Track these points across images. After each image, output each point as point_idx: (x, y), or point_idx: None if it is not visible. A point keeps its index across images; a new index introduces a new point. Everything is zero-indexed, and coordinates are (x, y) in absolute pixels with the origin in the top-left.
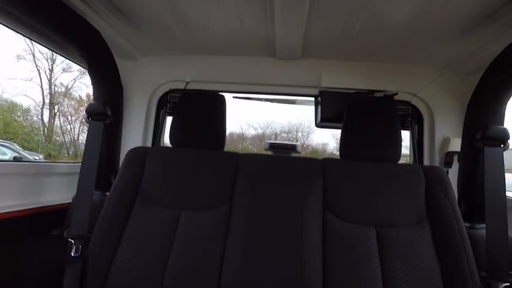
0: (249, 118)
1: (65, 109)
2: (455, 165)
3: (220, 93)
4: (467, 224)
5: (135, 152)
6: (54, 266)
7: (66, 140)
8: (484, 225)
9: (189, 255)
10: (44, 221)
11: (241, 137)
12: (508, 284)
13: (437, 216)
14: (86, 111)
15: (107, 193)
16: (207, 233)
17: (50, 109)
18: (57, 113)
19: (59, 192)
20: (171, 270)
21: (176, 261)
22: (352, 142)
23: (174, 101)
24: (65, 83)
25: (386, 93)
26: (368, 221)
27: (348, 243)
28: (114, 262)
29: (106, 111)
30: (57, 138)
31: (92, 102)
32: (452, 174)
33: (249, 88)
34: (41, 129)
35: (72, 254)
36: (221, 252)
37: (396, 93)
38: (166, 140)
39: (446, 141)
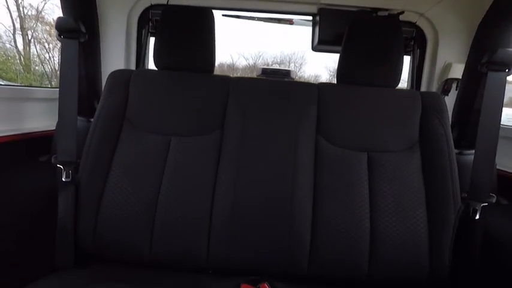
0: (239, 48)
1: (40, 35)
2: (452, 94)
3: None
4: (456, 151)
5: (117, 75)
6: (46, 191)
7: (47, 70)
8: (473, 151)
9: (181, 180)
10: (30, 148)
11: (231, 67)
12: (486, 204)
13: (430, 142)
14: (55, 27)
15: (92, 119)
16: (199, 158)
17: (22, 35)
18: (32, 40)
19: (41, 119)
20: (164, 194)
21: (168, 186)
22: (351, 65)
23: (157, 19)
24: (35, 5)
25: (391, 12)
26: (360, 147)
27: (339, 168)
28: (106, 187)
29: (79, 27)
30: (37, 68)
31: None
32: (448, 102)
33: (240, 4)
34: (17, 57)
35: (63, 179)
36: (213, 177)
37: (402, 12)
38: (151, 63)
39: (447, 67)
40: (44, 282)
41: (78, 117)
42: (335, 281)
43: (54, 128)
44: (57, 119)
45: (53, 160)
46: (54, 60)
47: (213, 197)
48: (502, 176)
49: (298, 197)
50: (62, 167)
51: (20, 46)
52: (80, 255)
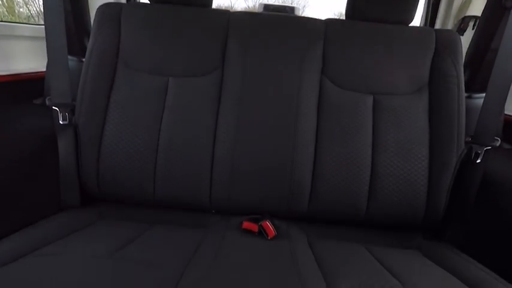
0: None
1: None
2: (468, 34)
3: None
4: (466, 94)
5: (107, 9)
6: (45, 133)
7: (32, 11)
8: (482, 95)
9: (181, 122)
10: (23, 90)
11: (229, 9)
12: (490, 147)
13: (440, 84)
14: None
15: (84, 59)
16: (199, 100)
17: None
18: None
19: (31, 59)
20: (164, 136)
21: (168, 128)
22: None
23: None
24: None
25: None
26: (366, 89)
27: (343, 110)
28: (105, 129)
29: None
30: (21, 10)
31: None
32: (463, 42)
33: None
34: None
35: (60, 122)
36: (214, 119)
37: None
38: None
39: (466, 3)
40: (52, 221)
41: (69, 57)
42: (334, 219)
43: (45, 69)
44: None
45: (47, 102)
46: (39, 1)
47: (214, 140)
48: (509, 121)
49: (301, 139)
50: (57, 109)
51: None
52: (86, 196)
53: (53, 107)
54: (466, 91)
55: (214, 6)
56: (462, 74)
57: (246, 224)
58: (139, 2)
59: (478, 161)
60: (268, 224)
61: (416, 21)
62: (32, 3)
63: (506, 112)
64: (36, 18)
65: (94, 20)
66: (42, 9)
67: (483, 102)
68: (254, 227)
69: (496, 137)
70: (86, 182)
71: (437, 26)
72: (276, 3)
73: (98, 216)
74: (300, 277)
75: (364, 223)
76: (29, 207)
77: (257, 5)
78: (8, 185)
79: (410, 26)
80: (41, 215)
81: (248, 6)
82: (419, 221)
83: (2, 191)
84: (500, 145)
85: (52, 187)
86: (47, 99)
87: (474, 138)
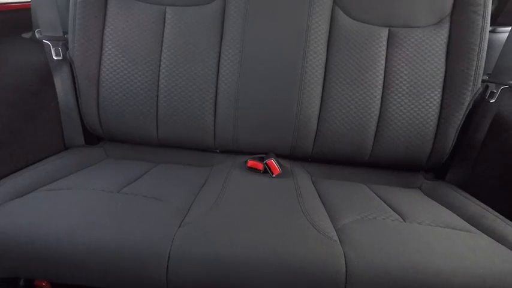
0: None
1: None
2: None
3: None
4: (490, 27)
5: None
6: (40, 68)
7: None
8: (508, 29)
9: (182, 56)
10: (8, 23)
11: None
12: (507, 86)
13: (463, 14)
14: None
15: None
16: (199, 32)
17: None
18: None
19: None
20: (165, 72)
21: (168, 64)
22: None
23: None
24: None
25: None
26: (381, 21)
27: (355, 44)
28: (101, 65)
29: None
30: None
31: None
32: None
33: None
34: None
35: (54, 58)
36: (217, 53)
37: None
38: None
39: None
40: (58, 159)
41: None
42: (338, 160)
43: None
44: None
45: (37, 35)
46: None
47: (218, 76)
48: None
49: (308, 77)
50: (49, 43)
51: None
52: (91, 136)
53: (45, 41)
54: (490, 24)
55: None
56: (490, 4)
57: (251, 163)
58: None
59: (492, 100)
60: (273, 162)
61: None
62: None
63: None
64: None
65: None
66: None
67: (507, 38)
68: (259, 165)
69: None
70: (88, 121)
71: None
72: None
73: (104, 155)
74: (304, 211)
75: (368, 164)
76: (32, 147)
77: None
78: (7, 122)
79: None
80: (46, 154)
81: None
82: (423, 162)
83: (2, 129)
84: None
85: (55, 126)
86: (36, 32)
87: (492, 77)
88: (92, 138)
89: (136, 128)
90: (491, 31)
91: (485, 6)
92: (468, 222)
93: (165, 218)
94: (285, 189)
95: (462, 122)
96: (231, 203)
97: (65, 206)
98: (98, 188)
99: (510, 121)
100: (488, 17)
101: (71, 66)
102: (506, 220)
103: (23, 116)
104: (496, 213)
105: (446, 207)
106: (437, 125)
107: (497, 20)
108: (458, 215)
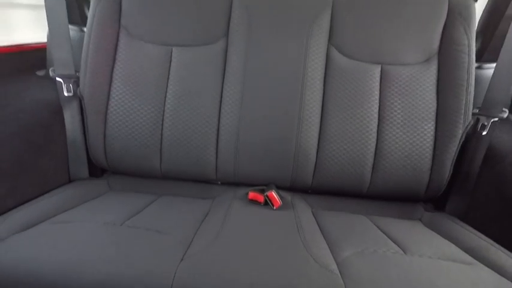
0: None
1: None
2: (481, 1)
3: None
4: (476, 64)
5: None
6: (51, 104)
7: None
8: (492, 65)
9: (186, 93)
10: (26, 62)
11: None
12: (497, 119)
13: (449, 53)
14: None
15: (85, 28)
16: (204, 70)
17: None
18: None
19: (30, 29)
20: (170, 107)
21: (173, 99)
22: None
23: None
24: None
25: None
26: (374, 59)
27: (350, 81)
28: (110, 101)
29: None
30: None
31: None
32: (476, 9)
33: None
34: None
35: (65, 94)
36: (219, 89)
37: None
38: None
39: None
40: (63, 191)
41: (70, 26)
42: (338, 191)
43: (46, 40)
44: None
45: (51, 73)
46: None
47: (220, 111)
48: None
49: (306, 112)
50: (61, 80)
51: None
52: (95, 168)
53: (57, 79)
54: (476, 61)
55: None
56: (474, 43)
57: (252, 195)
58: None
59: (484, 133)
60: (273, 194)
61: None
62: None
63: None
64: None
65: None
66: None
67: (493, 73)
68: (260, 198)
69: (503, 109)
70: (94, 154)
71: None
72: None
73: (107, 187)
74: (305, 244)
75: (368, 195)
76: (38, 179)
77: None
78: (18, 155)
79: None
80: (51, 187)
81: None
82: (421, 193)
83: (12, 162)
84: (507, 117)
85: (61, 159)
86: (50, 70)
87: (482, 110)
88: (95, 170)
89: (140, 160)
90: (478, 67)
91: (469, 46)
92: (469, 255)
93: (168, 251)
94: (285, 222)
95: (457, 153)
96: (232, 236)
97: (69, 240)
98: (101, 221)
99: (503, 152)
100: (473, 55)
101: (80, 102)
102: (508, 252)
103: (33, 150)
104: (497, 245)
105: (447, 239)
106: (433, 157)
107: (482, 57)
108: (459, 247)
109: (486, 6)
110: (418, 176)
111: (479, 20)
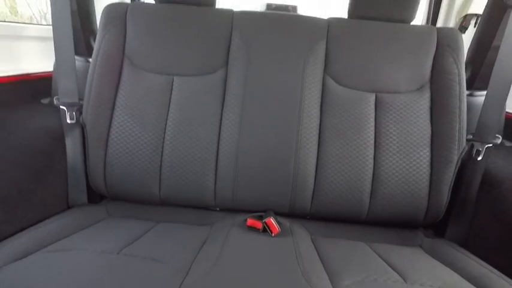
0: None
1: None
2: (469, 32)
3: None
4: (467, 92)
5: (112, 9)
6: (53, 131)
7: (34, 11)
8: (484, 93)
9: (186, 120)
10: (31, 90)
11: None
12: (491, 145)
13: (441, 82)
14: None
15: (90, 59)
16: (204, 98)
17: None
18: None
19: (38, 59)
20: (170, 134)
21: (174, 126)
22: None
23: None
24: None
25: None
26: (368, 87)
27: (346, 109)
28: (111, 128)
29: None
30: (23, 10)
31: None
32: (465, 40)
33: None
34: None
35: (68, 121)
36: (219, 117)
37: None
38: None
39: (468, 1)
40: (60, 218)
41: (76, 57)
42: (337, 218)
43: (52, 69)
44: (53, 60)
45: (55, 102)
46: (40, 1)
47: (219, 138)
48: (508, 118)
49: (304, 138)
50: (65, 108)
51: None
52: (94, 195)
53: (61, 106)
54: (467, 89)
55: (217, 4)
56: (463, 72)
57: (250, 221)
58: (144, 2)
59: (479, 158)
60: (272, 221)
61: (419, 19)
62: (34, 3)
63: (507, 110)
64: (39, 18)
65: (100, 20)
66: (44, 10)
67: (484, 100)
68: (258, 224)
69: (497, 135)
70: (93, 180)
71: (440, 24)
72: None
73: (105, 214)
74: (304, 273)
75: (367, 221)
76: (38, 206)
77: (259, 4)
78: (18, 183)
79: (412, 25)
80: (50, 213)
81: (251, 7)
82: (420, 219)
83: (12, 189)
84: (501, 143)
85: (61, 185)
86: (54, 99)
87: (475, 136)
88: (94, 196)
89: (139, 187)
90: (470, 95)
91: (459, 75)
92: (470, 283)
93: (164, 280)
94: (284, 249)
95: (453, 179)
96: (230, 264)
97: (66, 269)
98: (99, 249)
99: (499, 178)
100: (464, 83)
101: (82, 129)
102: (509, 280)
103: (33, 177)
104: (499, 272)
105: (448, 267)
106: (430, 183)
107: (473, 85)
108: (460, 275)
109: (473, 38)
110: (416, 202)
111: (468, 50)
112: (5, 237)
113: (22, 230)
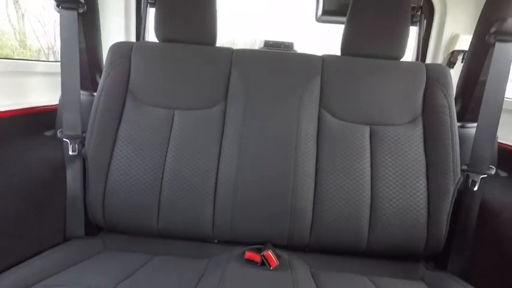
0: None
1: (33, 8)
2: (458, 66)
3: None
4: (459, 123)
5: (118, 47)
6: (55, 163)
7: (43, 44)
8: (475, 124)
9: (186, 153)
10: (35, 123)
11: (232, 42)
12: (486, 175)
13: (432, 114)
14: None
15: (95, 93)
16: (203, 131)
17: (15, 9)
18: (24, 13)
19: (44, 93)
20: (169, 167)
21: (173, 159)
22: (356, 36)
23: None
24: None
25: None
26: (363, 120)
27: (342, 141)
28: (112, 160)
29: None
30: (32, 43)
31: None
32: (454, 74)
33: None
34: (12, 33)
35: (70, 153)
36: (217, 150)
37: None
38: (152, 35)
39: (454, 38)
40: (58, 251)
41: (81, 92)
42: (336, 250)
43: (57, 102)
44: (59, 94)
45: (58, 134)
46: (49, 35)
47: (218, 170)
48: (503, 149)
49: (301, 170)
50: (68, 141)
51: (14, 21)
52: (91, 227)
53: (64, 139)
54: (459, 121)
55: (218, 39)
56: (453, 105)
57: (249, 254)
58: (148, 41)
59: (475, 188)
60: (270, 254)
61: (409, 55)
62: (43, 36)
63: (499, 140)
64: (47, 51)
65: (106, 57)
66: (52, 43)
67: (476, 132)
68: (256, 257)
69: (491, 166)
70: (92, 211)
71: (429, 60)
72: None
73: (102, 247)
74: None
75: (366, 253)
76: (35, 238)
77: (257, 40)
78: (16, 215)
79: (402, 61)
80: (47, 246)
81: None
82: (421, 251)
83: (9, 222)
84: (496, 173)
85: (58, 217)
86: (58, 132)
87: (470, 166)
88: (92, 229)
89: (138, 218)
90: (462, 127)
91: (450, 108)
92: None
93: None
94: (282, 285)
95: (451, 209)
96: None
97: None
98: (94, 284)
99: (496, 208)
100: (454, 116)
101: (83, 161)
102: None
103: (31, 209)
104: None
105: None
106: (428, 213)
107: (464, 117)
108: None
109: (461, 73)
110: (416, 233)
111: (457, 84)
112: (1, 271)
113: (18, 263)
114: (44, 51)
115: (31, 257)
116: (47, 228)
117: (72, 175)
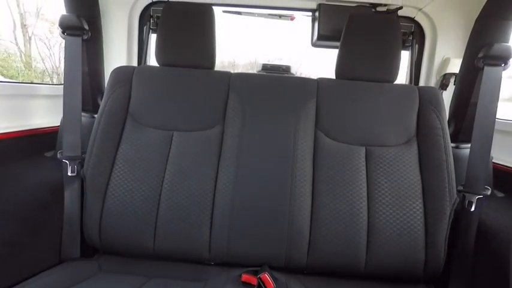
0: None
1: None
2: (450, 88)
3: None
4: (453, 144)
5: (120, 71)
6: (53, 184)
7: (48, 66)
8: (469, 145)
9: (183, 174)
10: (36, 144)
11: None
12: (482, 196)
13: (426, 136)
14: (59, 25)
15: (95, 115)
16: (200, 153)
17: (23, 32)
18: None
19: (46, 115)
20: (166, 188)
21: (171, 180)
22: (349, 61)
23: (158, 15)
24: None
25: (389, 7)
26: (358, 141)
27: (338, 162)
28: (110, 181)
29: (82, 25)
30: (37, 65)
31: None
32: (446, 96)
33: (240, 0)
34: (18, 54)
35: (69, 174)
36: (214, 172)
37: (400, 8)
38: (152, 60)
39: (445, 62)
40: (52, 273)
41: (82, 114)
42: (333, 272)
43: (58, 124)
44: (61, 116)
45: (58, 155)
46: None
47: (215, 192)
48: (498, 169)
49: (297, 192)
50: (67, 162)
51: (21, 43)
52: (87, 248)
53: (64, 160)
54: (453, 142)
55: (218, 61)
56: (446, 126)
57: (245, 277)
58: (149, 65)
59: (472, 209)
60: (267, 276)
61: (402, 78)
62: (48, 59)
63: (494, 160)
64: (50, 72)
65: (108, 81)
66: (56, 65)
67: (470, 152)
68: (253, 280)
69: (486, 186)
70: (88, 232)
71: (422, 82)
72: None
73: (97, 270)
74: None
75: (365, 276)
76: (29, 261)
77: (257, 62)
78: (11, 236)
79: (395, 84)
80: (42, 267)
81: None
82: (420, 274)
83: (3, 243)
84: (493, 193)
85: (54, 239)
86: (58, 153)
87: (466, 187)
88: (87, 250)
89: (134, 239)
90: (456, 147)
91: (443, 129)
92: None
93: None
94: None
95: (448, 230)
96: None
97: None
98: None
99: (493, 229)
100: (448, 137)
101: (82, 182)
102: None
103: (28, 230)
104: None
105: None
106: (426, 235)
107: (458, 138)
108: None
109: (453, 95)
110: (414, 256)
111: (450, 106)
112: None
113: (13, 285)
114: (48, 72)
115: (26, 279)
116: (42, 249)
117: (70, 196)
